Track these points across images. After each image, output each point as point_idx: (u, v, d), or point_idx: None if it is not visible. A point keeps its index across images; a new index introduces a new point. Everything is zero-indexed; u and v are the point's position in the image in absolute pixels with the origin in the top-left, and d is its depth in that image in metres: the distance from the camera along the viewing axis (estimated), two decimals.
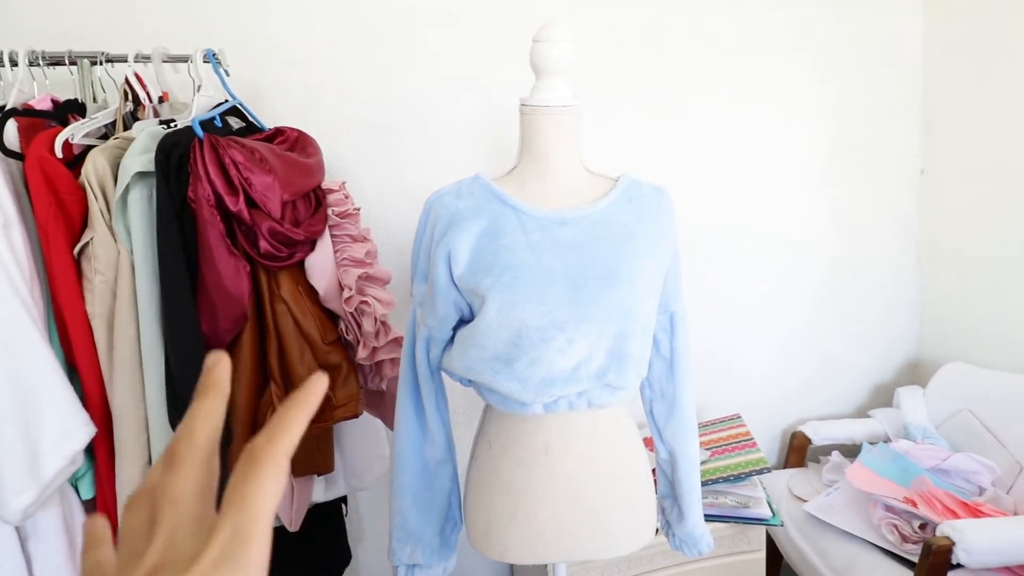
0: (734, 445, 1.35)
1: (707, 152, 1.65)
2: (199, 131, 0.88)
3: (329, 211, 1.01)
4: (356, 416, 1.01)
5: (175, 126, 1.02)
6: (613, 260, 0.79)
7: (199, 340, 0.87)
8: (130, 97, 1.11)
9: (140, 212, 0.92)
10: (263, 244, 0.89)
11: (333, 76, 1.41)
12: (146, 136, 0.95)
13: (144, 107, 1.12)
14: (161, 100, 1.15)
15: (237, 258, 0.88)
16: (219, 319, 0.88)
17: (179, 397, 0.88)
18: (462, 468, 0.94)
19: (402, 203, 1.46)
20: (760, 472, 1.25)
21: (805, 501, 1.59)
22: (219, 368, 0.23)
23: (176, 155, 0.93)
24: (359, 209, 1.09)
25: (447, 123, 1.46)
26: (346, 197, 1.05)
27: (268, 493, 0.20)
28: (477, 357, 0.79)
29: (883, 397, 1.95)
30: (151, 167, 0.92)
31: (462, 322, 0.85)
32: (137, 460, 0.93)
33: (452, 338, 0.85)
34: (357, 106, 1.42)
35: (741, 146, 1.68)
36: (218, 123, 0.99)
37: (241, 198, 0.88)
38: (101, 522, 0.25)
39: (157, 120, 1.04)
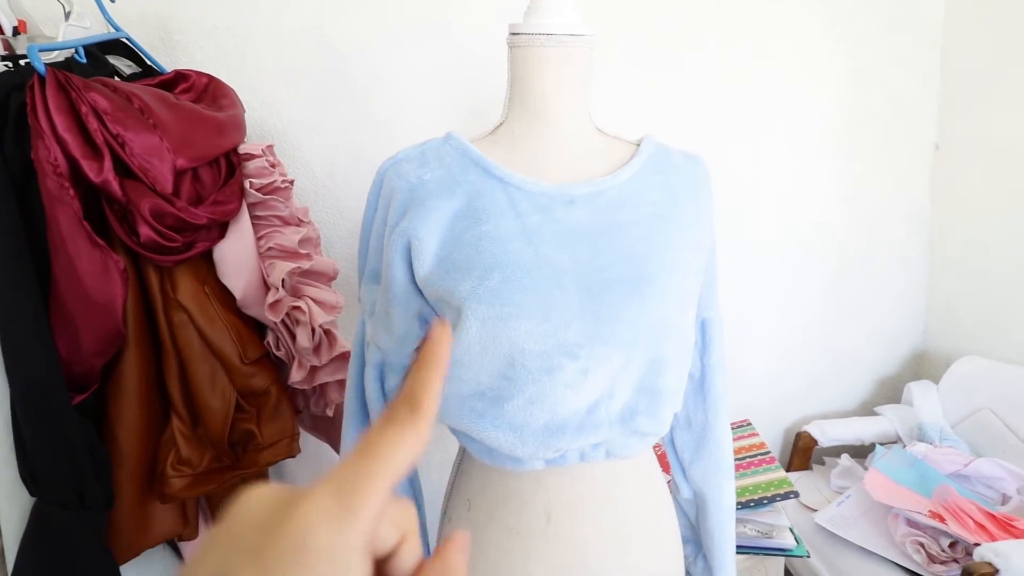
0: (749, 460, 1.17)
1: (708, 122, 1.44)
2: (38, 63, 0.60)
3: (247, 183, 0.74)
4: (291, 456, 0.77)
5: (27, 65, 0.73)
6: (642, 254, 0.56)
7: (54, 367, 0.61)
8: None
9: None
10: (144, 230, 0.63)
11: (266, 15, 1.12)
12: None
13: None
14: (16, 32, 0.85)
15: (103, 250, 0.62)
16: (82, 338, 0.62)
17: (31, 452, 0.62)
18: (432, 513, 0.72)
19: (355, 174, 1.19)
20: (785, 497, 1.07)
21: (813, 511, 1.44)
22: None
23: (17, 102, 0.65)
24: (292, 181, 0.83)
25: (407, 74, 1.19)
26: (272, 165, 0.78)
27: (398, 452, 0.20)
28: (451, 393, 0.56)
29: (888, 391, 1.81)
30: None
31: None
32: None
33: None
34: (296, 54, 1.14)
35: (746, 116, 1.47)
36: (81, 58, 0.71)
37: (107, 163, 0.61)
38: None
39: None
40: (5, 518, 0.68)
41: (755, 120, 1.49)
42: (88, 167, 0.60)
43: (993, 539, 1.18)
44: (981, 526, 1.22)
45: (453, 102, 1.20)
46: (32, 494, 0.66)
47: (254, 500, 0.19)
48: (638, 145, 0.65)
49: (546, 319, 0.53)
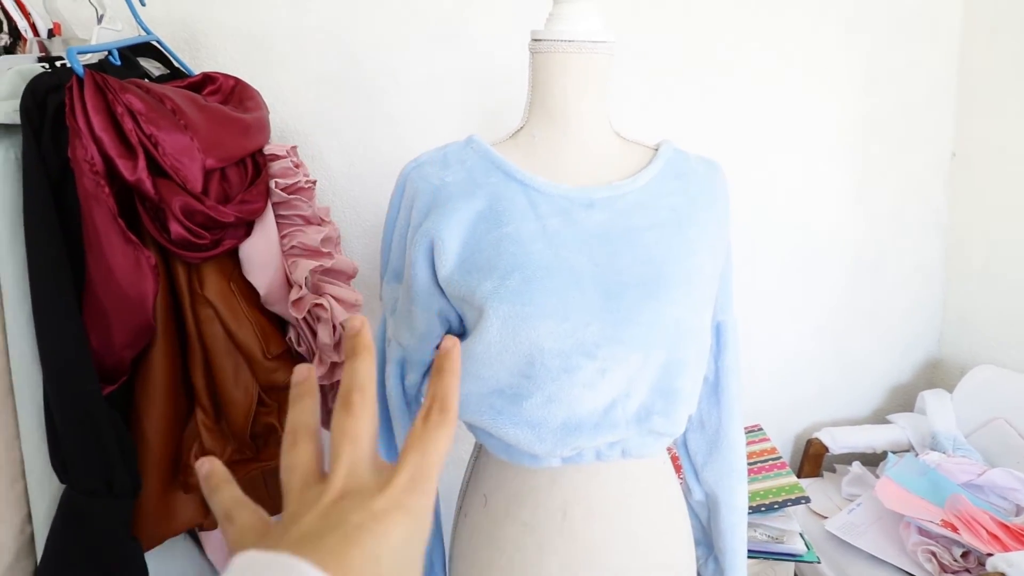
0: (760, 465, 1.17)
1: (723, 127, 1.44)
2: (77, 65, 0.63)
3: (272, 183, 0.76)
4: None
5: (64, 66, 0.76)
6: (660, 257, 0.57)
7: (86, 360, 0.63)
8: (6, 28, 0.84)
9: (3, 181, 0.66)
10: (175, 227, 0.65)
11: (287, 19, 1.14)
12: (13, 76, 0.69)
13: (25, 41, 0.85)
14: (51, 34, 0.88)
15: (136, 247, 0.64)
16: (113, 331, 0.64)
17: (62, 440, 0.64)
18: (447, 509, 0.73)
19: (374, 175, 1.22)
20: (796, 502, 1.07)
21: (824, 517, 1.44)
22: (365, 331, 0.28)
23: (54, 102, 0.67)
24: (315, 182, 0.85)
25: (425, 78, 1.21)
26: (296, 166, 0.80)
27: (442, 442, 0.26)
28: (471, 391, 0.57)
29: (901, 399, 1.80)
30: (18, 118, 0.66)
31: None
32: (11, 517, 0.69)
33: None
34: (316, 57, 1.16)
35: (756, 122, 1.47)
36: (116, 60, 0.73)
37: (141, 163, 0.63)
38: (219, 464, 0.28)
39: (36, 56, 0.78)
40: (36, 505, 0.70)
41: (770, 125, 1.49)
42: (123, 166, 0.62)
43: (1006, 549, 1.17)
44: (994, 536, 1.21)
45: (470, 105, 1.22)
46: (62, 482, 0.68)
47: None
48: (656, 150, 0.66)
49: (565, 319, 0.54)
